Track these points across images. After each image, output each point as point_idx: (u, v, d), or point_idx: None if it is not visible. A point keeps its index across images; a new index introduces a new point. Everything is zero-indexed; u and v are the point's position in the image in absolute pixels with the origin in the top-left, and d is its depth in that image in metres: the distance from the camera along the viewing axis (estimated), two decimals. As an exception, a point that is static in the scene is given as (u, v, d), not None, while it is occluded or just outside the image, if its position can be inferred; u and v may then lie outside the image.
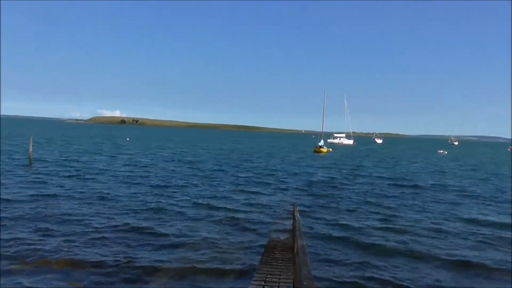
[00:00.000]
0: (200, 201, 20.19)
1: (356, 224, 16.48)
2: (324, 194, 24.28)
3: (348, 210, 19.49)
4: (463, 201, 24.05)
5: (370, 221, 17.19)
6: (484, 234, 15.78)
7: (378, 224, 16.70)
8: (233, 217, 16.82)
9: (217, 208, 18.59)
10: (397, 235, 15.13)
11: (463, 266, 11.88)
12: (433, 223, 17.39)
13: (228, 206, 19.10)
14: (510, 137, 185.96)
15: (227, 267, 10.92)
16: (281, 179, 30.55)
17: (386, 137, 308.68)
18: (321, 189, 26.34)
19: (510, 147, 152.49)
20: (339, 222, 16.69)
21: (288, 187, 26.79)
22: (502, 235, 15.74)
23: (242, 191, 24.23)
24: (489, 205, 23.14)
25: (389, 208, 20.52)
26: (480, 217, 19.04)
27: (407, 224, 16.94)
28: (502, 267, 11.84)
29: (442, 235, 15.42)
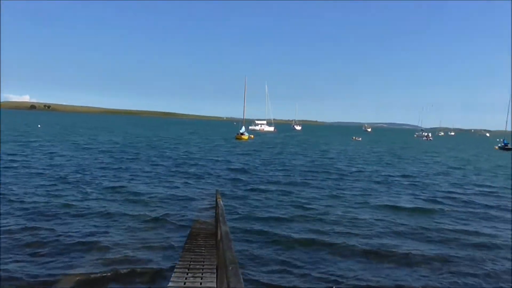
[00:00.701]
0: (115, 195, 18.48)
1: (270, 214, 16.07)
2: (244, 181, 24.32)
3: (265, 198, 19.18)
4: (375, 187, 25.30)
5: (283, 210, 16.91)
6: (394, 221, 16.60)
7: (291, 213, 16.36)
8: (152, 210, 15.85)
9: (135, 201, 17.35)
10: (311, 224, 14.87)
11: (375, 254, 11.92)
12: (345, 210, 17.50)
13: (146, 198, 17.92)
14: (416, 124, 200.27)
15: (149, 261, 10.39)
16: (202, 167, 30.15)
17: (305, 124, 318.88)
18: (241, 176, 26.37)
19: (416, 133, 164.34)
20: (254, 213, 16.32)
21: (209, 174, 26.48)
22: (411, 221, 16.76)
23: (161, 180, 23.25)
24: (399, 192, 24.59)
25: (302, 196, 20.44)
26: (392, 203, 19.57)
27: (319, 212, 16.78)
28: (413, 252, 12.49)
29: (354, 223, 15.45)
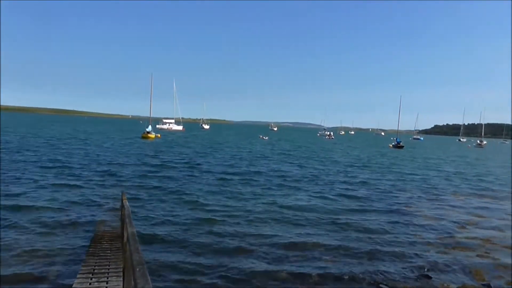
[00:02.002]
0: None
1: (168, 218, 15.73)
2: (146, 183, 23.71)
3: (166, 201, 18.60)
4: (281, 185, 26.27)
5: (179, 211, 16.69)
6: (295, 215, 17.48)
7: (189, 215, 16.16)
8: (50, 215, 14.72)
9: (26, 207, 15.69)
10: (211, 226, 14.67)
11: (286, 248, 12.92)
12: (246, 210, 17.81)
13: (39, 204, 16.30)
14: (319, 123, 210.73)
15: (47, 270, 9.70)
16: (104, 168, 28.60)
17: (213, 123, 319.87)
18: (144, 177, 25.68)
19: (319, 132, 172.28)
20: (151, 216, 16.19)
21: (112, 175, 25.27)
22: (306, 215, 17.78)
23: (55, 184, 21.01)
24: (306, 189, 25.83)
25: (207, 198, 20.50)
26: (294, 202, 20.36)
27: (221, 213, 16.62)
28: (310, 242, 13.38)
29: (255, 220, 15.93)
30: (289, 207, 18.44)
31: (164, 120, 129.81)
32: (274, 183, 25.58)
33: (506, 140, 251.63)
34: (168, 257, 11.07)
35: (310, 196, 21.82)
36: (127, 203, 9.53)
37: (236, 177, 27.30)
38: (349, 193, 23.50)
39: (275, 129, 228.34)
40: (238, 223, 15.17)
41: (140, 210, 16.23)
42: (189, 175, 27.15)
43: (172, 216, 15.66)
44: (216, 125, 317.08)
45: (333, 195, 22.31)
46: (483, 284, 10.40)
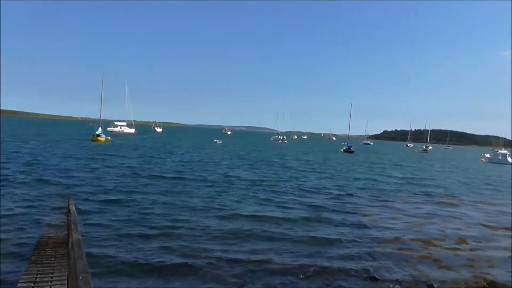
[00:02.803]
0: None
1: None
2: (92, 186, 23.14)
3: (110, 206, 18.17)
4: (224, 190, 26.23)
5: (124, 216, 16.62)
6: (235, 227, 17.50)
7: (129, 218, 16.16)
8: None
9: None
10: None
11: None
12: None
13: None
14: (273, 128, 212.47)
15: None
16: (49, 171, 27.60)
17: (166, 126, 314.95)
18: (89, 180, 24.99)
19: (273, 137, 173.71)
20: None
21: (59, 180, 24.40)
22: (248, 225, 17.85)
23: None
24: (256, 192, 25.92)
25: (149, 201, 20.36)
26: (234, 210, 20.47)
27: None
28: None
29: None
30: (239, 215, 18.39)
31: (116, 123, 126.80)
32: (224, 189, 25.43)
33: (449, 146, 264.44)
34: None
35: (261, 203, 21.88)
36: (73, 207, 9.23)
37: (186, 182, 26.97)
38: (300, 199, 23.69)
39: (229, 133, 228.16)
40: (180, 236, 15.03)
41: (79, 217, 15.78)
42: (137, 181, 26.44)
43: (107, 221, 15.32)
44: (170, 128, 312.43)
45: (284, 201, 22.44)
46: (427, 285, 10.82)
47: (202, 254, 12.05)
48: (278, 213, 18.86)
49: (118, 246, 12.20)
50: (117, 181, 25.05)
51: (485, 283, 11.00)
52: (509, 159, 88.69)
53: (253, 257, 12.12)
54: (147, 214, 16.78)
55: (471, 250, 14.84)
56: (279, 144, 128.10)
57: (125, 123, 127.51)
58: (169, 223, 15.42)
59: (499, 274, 12.05)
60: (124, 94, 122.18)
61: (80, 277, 3.84)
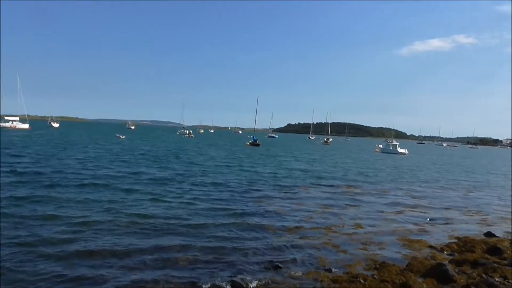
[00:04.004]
0: None
1: None
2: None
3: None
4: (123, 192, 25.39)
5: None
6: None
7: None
8: None
9: None
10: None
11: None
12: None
13: None
14: (178, 122, 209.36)
15: None
16: None
17: (64, 121, 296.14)
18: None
19: (179, 131, 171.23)
20: None
21: None
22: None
23: None
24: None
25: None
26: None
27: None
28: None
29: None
30: (140, 215, 17.93)
31: (7, 118, 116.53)
32: (127, 186, 24.52)
33: (348, 138, 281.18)
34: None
35: (164, 199, 21.32)
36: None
37: (87, 182, 25.55)
38: (205, 193, 23.56)
39: (133, 127, 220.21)
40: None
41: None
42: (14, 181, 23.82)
43: None
44: (68, 123, 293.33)
45: (188, 198, 21.87)
46: (325, 269, 11.42)
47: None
48: (180, 211, 18.68)
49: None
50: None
51: (376, 264, 11.88)
52: (398, 149, 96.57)
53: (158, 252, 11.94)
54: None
55: (365, 234, 15.94)
56: (185, 138, 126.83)
57: (17, 118, 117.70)
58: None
59: (389, 255, 13.11)
60: (15, 86, 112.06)
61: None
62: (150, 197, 20.95)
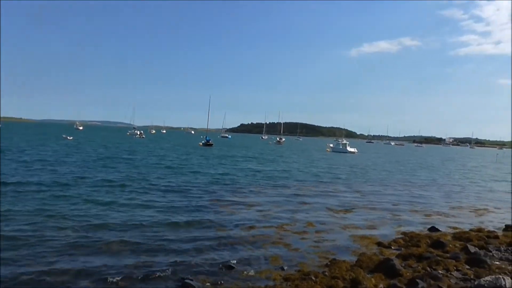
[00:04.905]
0: None
1: None
2: None
3: None
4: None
5: None
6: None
7: None
8: None
9: None
10: None
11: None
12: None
13: None
14: (129, 122, 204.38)
15: None
16: None
17: (7, 121, 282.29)
18: None
19: (129, 131, 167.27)
20: None
21: None
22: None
23: None
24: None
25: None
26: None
27: None
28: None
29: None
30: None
31: None
32: (73, 190, 23.76)
33: (299, 137, 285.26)
34: None
35: (107, 205, 20.45)
36: None
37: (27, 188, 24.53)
38: (155, 198, 22.71)
39: (81, 128, 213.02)
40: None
41: None
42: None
43: None
44: (10, 123, 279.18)
45: (141, 201, 21.37)
46: (277, 268, 11.50)
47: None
48: (130, 213, 18.28)
49: None
50: None
51: (327, 261, 12.09)
52: (348, 148, 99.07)
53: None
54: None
55: (316, 232, 16.21)
56: (136, 139, 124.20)
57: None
58: None
59: (339, 252, 13.39)
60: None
61: None
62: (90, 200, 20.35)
